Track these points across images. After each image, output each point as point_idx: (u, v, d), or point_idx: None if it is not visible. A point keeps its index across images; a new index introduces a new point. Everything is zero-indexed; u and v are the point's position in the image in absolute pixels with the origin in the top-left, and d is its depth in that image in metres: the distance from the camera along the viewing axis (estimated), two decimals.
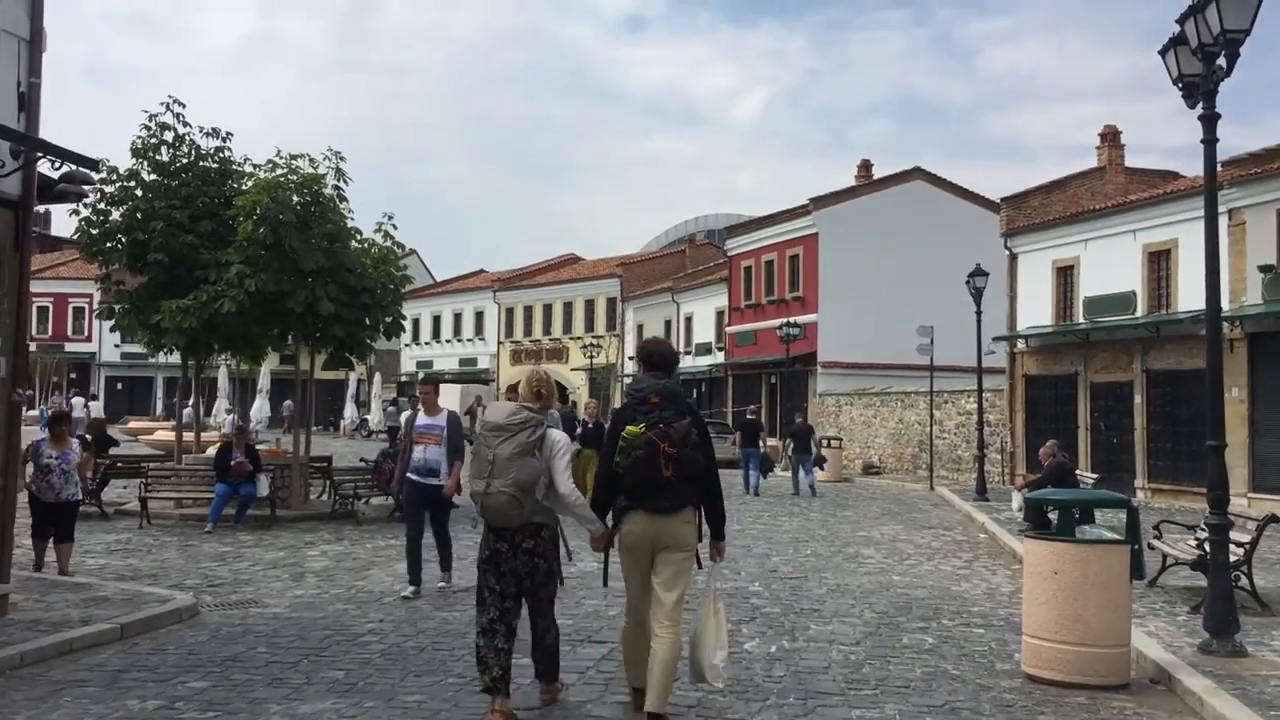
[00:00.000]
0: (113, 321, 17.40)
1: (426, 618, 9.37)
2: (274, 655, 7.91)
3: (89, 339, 64.60)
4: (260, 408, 45.16)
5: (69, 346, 63.53)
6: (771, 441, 33.51)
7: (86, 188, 9.43)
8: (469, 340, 62.21)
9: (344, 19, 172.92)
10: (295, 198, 16.82)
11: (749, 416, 29.16)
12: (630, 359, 49.82)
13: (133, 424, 41.66)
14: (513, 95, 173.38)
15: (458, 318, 63.24)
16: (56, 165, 8.71)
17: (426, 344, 64.19)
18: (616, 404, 47.90)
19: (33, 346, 58.04)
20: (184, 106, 17.12)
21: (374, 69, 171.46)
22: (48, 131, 9.07)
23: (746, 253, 43.27)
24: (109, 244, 16.54)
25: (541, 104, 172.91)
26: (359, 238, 18.11)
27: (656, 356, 6.35)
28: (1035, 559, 7.72)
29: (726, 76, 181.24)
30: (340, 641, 8.37)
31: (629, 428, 5.94)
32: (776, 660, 8.06)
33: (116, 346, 61.51)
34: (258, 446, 17.43)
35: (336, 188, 17.32)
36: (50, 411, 15.68)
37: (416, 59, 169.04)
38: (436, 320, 64.36)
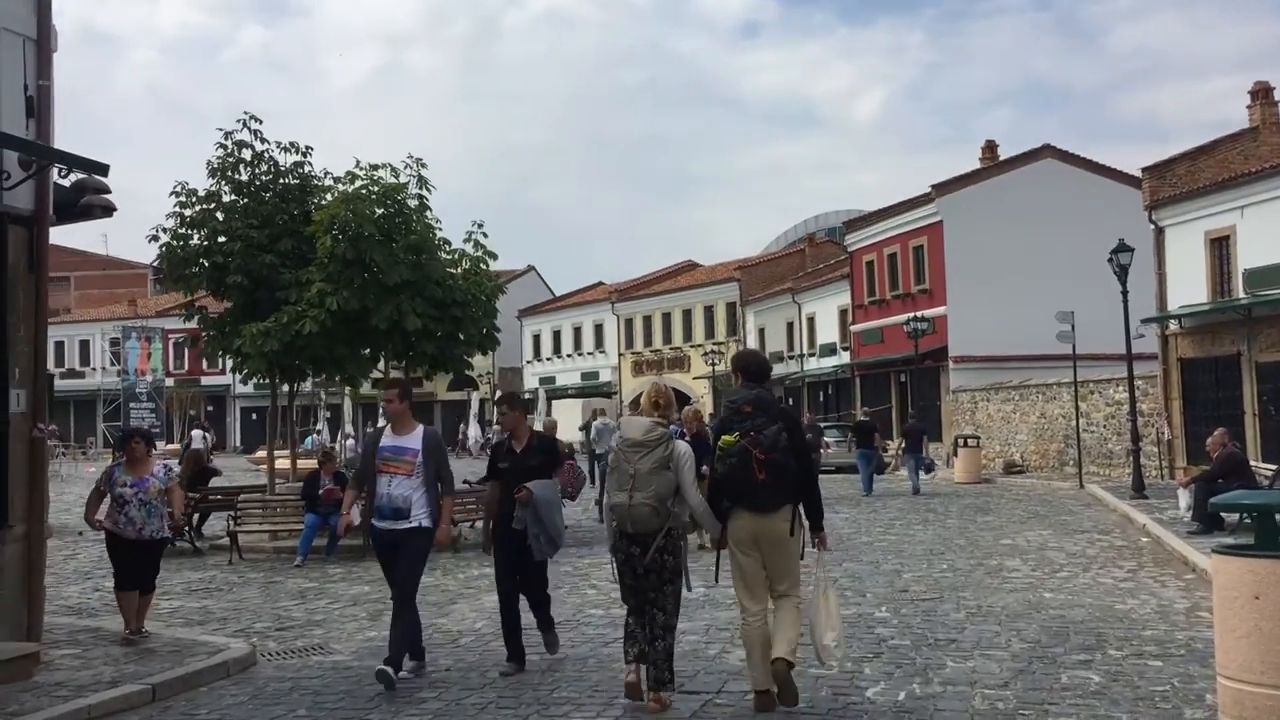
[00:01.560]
0: (200, 350, 16.83)
1: (499, 662, 8.21)
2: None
3: (223, 371, 66.08)
4: None
5: (205, 380, 64.97)
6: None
7: (103, 196, 8.43)
8: (589, 354, 61.51)
9: (466, 49, 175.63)
10: (378, 209, 16.02)
11: (862, 418, 28.43)
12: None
13: (260, 454, 41.94)
14: (631, 112, 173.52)
15: (577, 331, 62.62)
16: (64, 173, 7.85)
17: (548, 359, 63.75)
18: None
19: (169, 381, 59.81)
20: (260, 123, 16.52)
21: (495, 96, 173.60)
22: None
23: (867, 247, 41.38)
24: (190, 269, 15.96)
25: (660, 118, 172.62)
26: (448, 249, 17.22)
27: (749, 368, 6.90)
28: (1229, 580, 6.12)
29: (844, 77, 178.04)
30: (393, 700, 7.26)
31: (725, 436, 6.48)
32: (906, 713, 6.63)
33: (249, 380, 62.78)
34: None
35: (419, 196, 16.46)
36: (186, 446, 15.06)
37: (536, 83, 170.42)
38: (557, 335, 63.87)
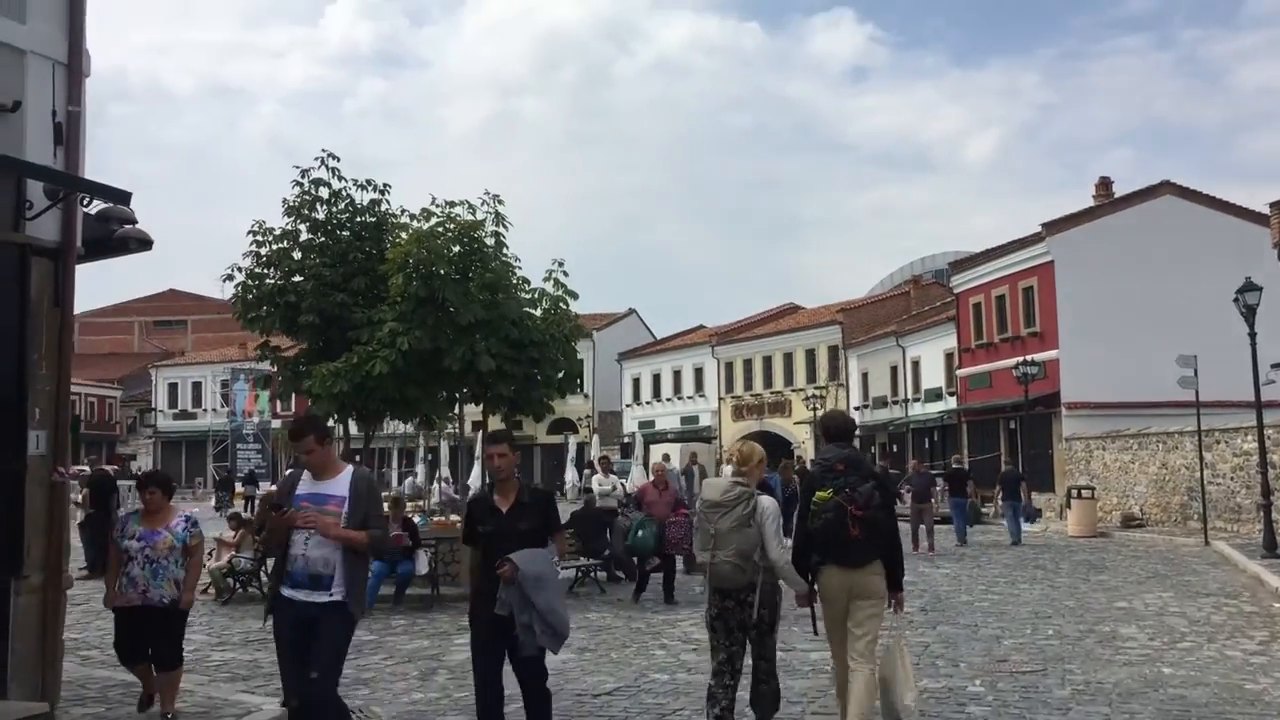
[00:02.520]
0: (269, 391, 16.53)
1: None
2: None
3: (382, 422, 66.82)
4: (478, 475, 44.83)
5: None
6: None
7: (137, 228, 8.02)
8: (689, 397, 60.72)
9: (575, 96, 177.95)
10: (455, 247, 15.60)
11: (955, 465, 27.60)
12: (855, 408, 47.01)
13: None
14: (738, 156, 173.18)
15: (677, 375, 61.92)
16: (86, 202, 7.44)
17: (647, 403, 63.13)
18: None
19: (275, 423, 60.85)
20: (338, 160, 16.27)
21: (603, 141, 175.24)
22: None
23: (974, 288, 39.90)
24: (263, 309, 15.71)
25: (768, 162, 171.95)
26: (527, 288, 16.70)
27: (834, 429, 7.10)
28: None
29: (955, 119, 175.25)
30: None
31: (819, 493, 6.67)
32: None
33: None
34: (451, 517, 16.16)
35: (496, 233, 15.99)
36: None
37: (644, 129, 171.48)
38: (656, 378, 63.26)
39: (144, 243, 8.40)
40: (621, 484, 20.24)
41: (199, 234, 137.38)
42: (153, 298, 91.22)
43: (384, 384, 14.70)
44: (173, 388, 72.69)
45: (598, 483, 18.70)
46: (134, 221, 7.76)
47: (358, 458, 21.25)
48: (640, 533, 14.48)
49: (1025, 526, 25.13)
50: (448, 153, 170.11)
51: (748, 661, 6.99)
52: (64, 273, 7.72)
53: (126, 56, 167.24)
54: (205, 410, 67.50)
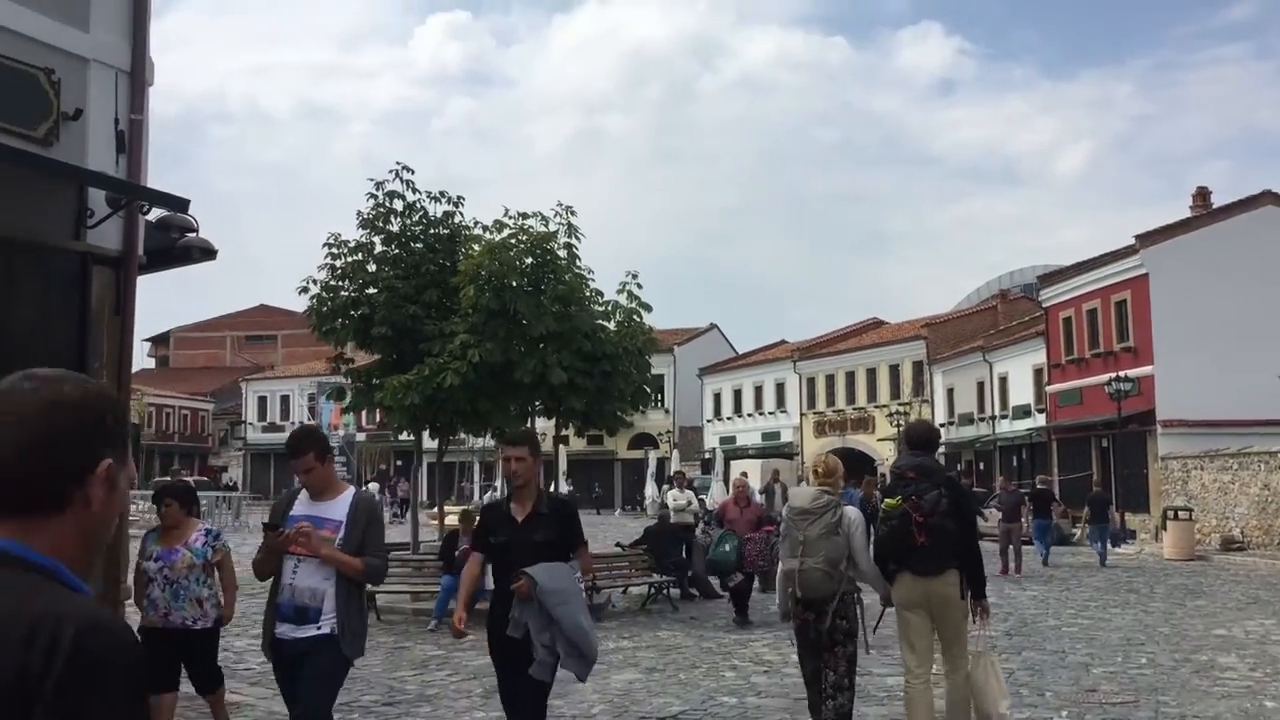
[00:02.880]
0: (344, 404, 16.57)
1: None
2: None
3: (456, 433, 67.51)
4: (560, 489, 44.84)
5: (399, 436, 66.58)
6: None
7: (199, 237, 7.97)
8: (770, 413, 60.10)
9: (660, 113, 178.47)
10: (529, 259, 15.48)
11: (1040, 485, 26.72)
12: (940, 425, 45.98)
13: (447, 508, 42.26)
14: (824, 171, 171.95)
15: (758, 390, 61.34)
16: (145, 210, 7.40)
17: (728, 419, 62.64)
18: None
19: (361, 436, 61.73)
20: (412, 173, 16.25)
21: (688, 158, 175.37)
22: None
23: (1064, 302, 38.80)
24: (337, 321, 15.74)
25: (853, 176, 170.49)
26: (600, 301, 16.51)
27: (916, 437, 7.21)
28: None
29: (1046, 131, 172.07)
30: None
31: (888, 500, 6.77)
32: None
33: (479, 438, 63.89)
34: None
35: (568, 244, 15.83)
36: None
37: (729, 145, 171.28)
38: (737, 394, 62.75)
39: (207, 252, 8.36)
40: (699, 499, 19.93)
41: (290, 251, 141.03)
42: (244, 313, 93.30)
43: (455, 396, 14.60)
44: (262, 401, 74.18)
45: (672, 498, 18.43)
46: (194, 229, 7.71)
47: (392, 475, 21.17)
48: (724, 548, 13.89)
49: (1112, 549, 24.60)
50: (534, 171, 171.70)
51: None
52: (125, 281, 7.70)
53: (225, 79, 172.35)
54: (293, 423, 68.52)
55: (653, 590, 15.93)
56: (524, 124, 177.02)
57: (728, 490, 36.19)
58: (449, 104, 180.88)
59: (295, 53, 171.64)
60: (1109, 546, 24.37)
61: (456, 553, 14.08)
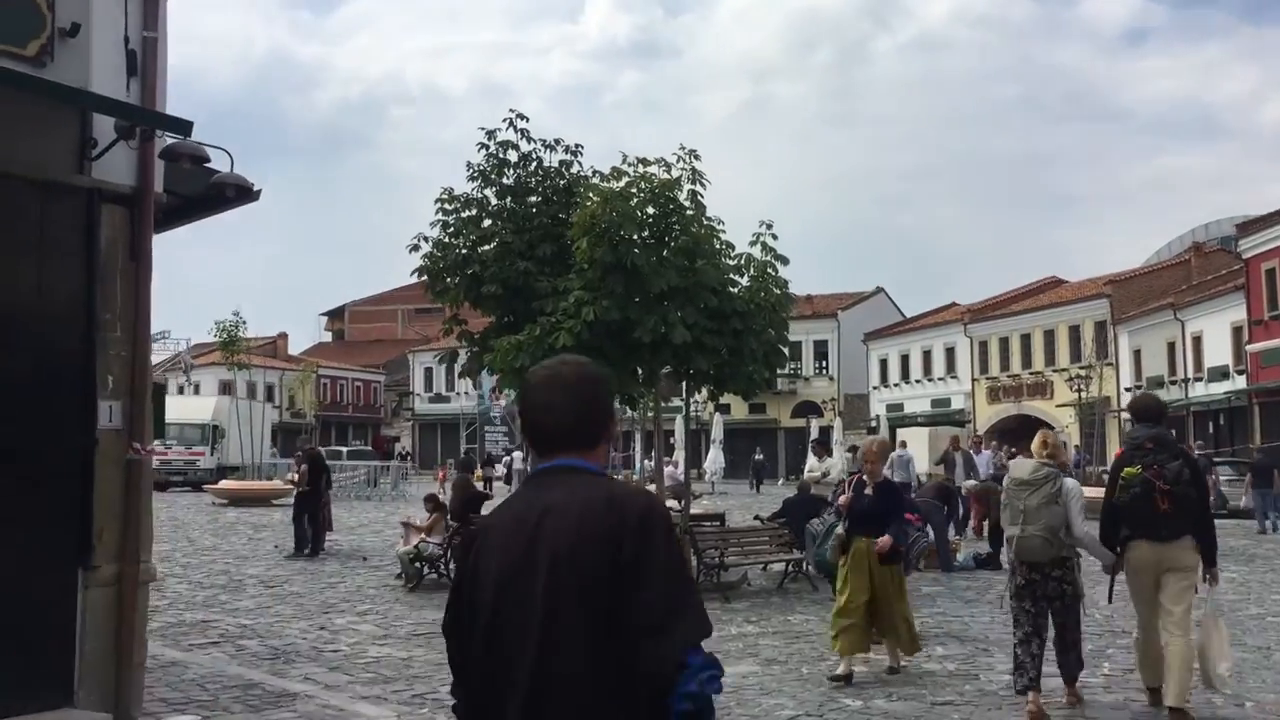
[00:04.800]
0: (458, 368, 15.67)
1: None
2: None
3: None
4: (714, 459, 43.64)
5: None
6: None
7: (234, 174, 7.00)
8: (940, 379, 57.36)
9: (830, 77, 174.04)
10: (650, 209, 14.21)
11: (1258, 454, 25.22)
12: (1126, 390, 42.75)
13: None
14: (1004, 130, 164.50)
15: (927, 355, 58.63)
16: (147, 135, 6.45)
17: (895, 385, 60.14)
18: (1112, 444, 41.15)
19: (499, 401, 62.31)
20: (526, 120, 15.17)
21: (860, 122, 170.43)
22: None
23: (1268, 252, 35.23)
24: (449, 280, 14.84)
25: (1036, 134, 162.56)
26: (731, 254, 15.09)
27: (1144, 410, 7.54)
28: None
29: (1247, 79, 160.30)
30: None
31: (1127, 470, 7.06)
32: None
33: None
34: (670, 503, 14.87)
35: (693, 192, 14.46)
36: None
37: (904, 107, 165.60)
38: (905, 359, 60.15)
39: (245, 190, 7.40)
40: (840, 466, 18.31)
41: None
42: (413, 286, 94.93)
43: None
44: (428, 373, 75.42)
45: (809, 467, 16.94)
46: (205, 159, 6.73)
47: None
48: (829, 544, 9.85)
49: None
50: (703, 141, 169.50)
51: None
52: (140, 222, 6.79)
53: (404, 61, 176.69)
54: (458, 394, 69.36)
55: (790, 567, 14.56)
56: (692, 95, 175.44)
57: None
58: (619, 77, 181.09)
59: (470, 33, 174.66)
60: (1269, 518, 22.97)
61: None
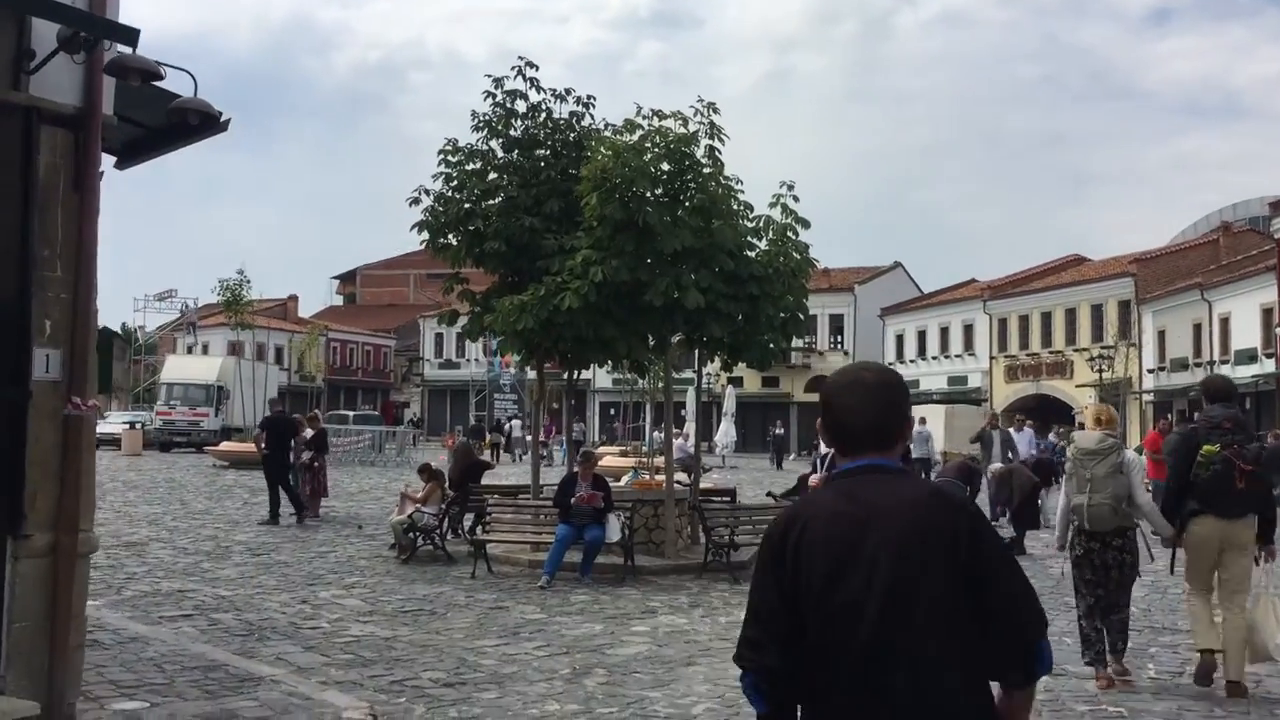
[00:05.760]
0: (457, 328, 14.88)
1: None
2: None
3: (587, 365, 66.59)
4: (725, 432, 42.82)
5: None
6: None
7: (198, 99, 6.20)
8: (957, 356, 56.41)
9: (853, 50, 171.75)
10: (665, 165, 13.39)
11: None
12: (1149, 371, 41.82)
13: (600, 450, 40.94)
14: (1026, 109, 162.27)
15: (944, 332, 57.66)
16: (88, 42, 5.64)
17: (912, 361, 59.17)
18: (1133, 425, 40.30)
19: (532, 374, 61.07)
20: (536, 69, 14.32)
21: (882, 97, 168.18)
22: None
23: None
24: (451, 235, 14.04)
25: (1057, 114, 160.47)
26: (749, 216, 14.26)
27: (1216, 390, 7.67)
28: None
29: (1273, 61, 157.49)
30: None
31: (1206, 447, 7.19)
32: None
33: (609, 373, 62.49)
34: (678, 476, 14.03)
35: (711, 148, 13.62)
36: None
37: (926, 83, 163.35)
38: (922, 335, 59.21)
39: (210, 118, 6.57)
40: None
41: None
42: (428, 252, 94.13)
43: (574, 320, 12.70)
44: (438, 338, 74.70)
45: (825, 444, 16.08)
46: (157, 75, 5.91)
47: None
48: None
49: None
50: (722, 112, 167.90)
51: None
52: (86, 147, 5.99)
53: (425, 27, 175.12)
54: (468, 360, 68.70)
55: None
56: (713, 65, 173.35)
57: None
58: (639, 47, 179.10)
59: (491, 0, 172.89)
60: None
61: (573, 499, 12.27)
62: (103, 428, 45.23)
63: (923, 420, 31.62)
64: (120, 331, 74.55)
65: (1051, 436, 29.88)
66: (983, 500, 16.96)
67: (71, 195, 5.99)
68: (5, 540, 5.74)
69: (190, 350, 61.26)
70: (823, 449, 17.97)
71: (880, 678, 2.41)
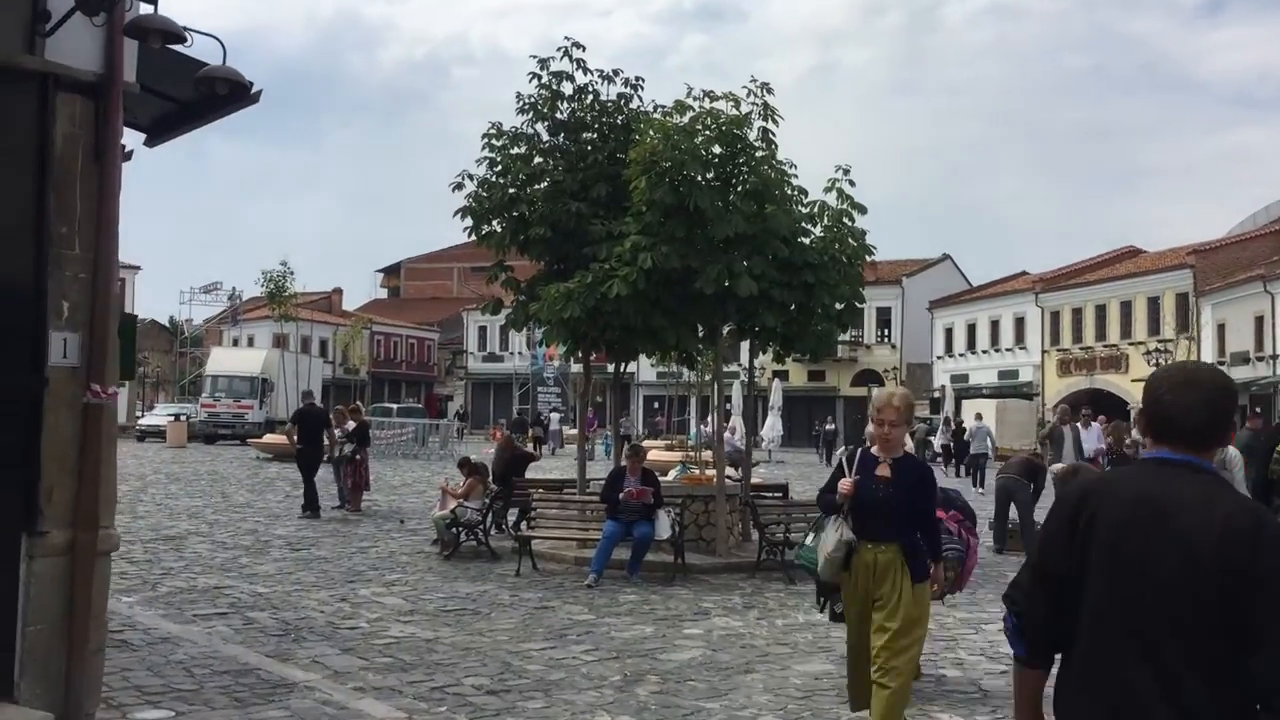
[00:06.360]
0: (501, 319, 14.46)
1: None
2: None
3: (634, 357, 65.96)
4: (771, 426, 42.14)
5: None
6: None
7: (225, 68, 5.79)
8: (1008, 350, 55.35)
9: (899, 43, 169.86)
10: (717, 148, 12.87)
11: None
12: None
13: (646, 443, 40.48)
14: (1075, 101, 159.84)
15: (995, 325, 56.59)
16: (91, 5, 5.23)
17: (961, 355, 58.20)
18: None
19: (576, 367, 60.72)
20: (583, 50, 13.84)
21: (930, 90, 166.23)
22: None
23: None
24: (495, 222, 13.61)
25: (1107, 106, 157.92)
26: (804, 201, 13.69)
27: None
28: None
29: None
30: None
31: None
32: None
33: (653, 366, 61.89)
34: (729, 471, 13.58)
35: (764, 130, 13.08)
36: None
37: (975, 75, 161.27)
38: (971, 329, 58.14)
39: (239, 87, 6.17)
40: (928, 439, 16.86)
41: None
42: (470, 244, 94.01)
43: (622, 309, 12.22)
44: (482, 331, 74.64)
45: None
46: (180, 37, 5.50)
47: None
48: (817, 549, 6.45)
49: None
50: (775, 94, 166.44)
51: None
52: (106, 115, 5.60)
53: (469, 22, 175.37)
54: (512, 354, 68.46)
55: None
56: (757, 59, 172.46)
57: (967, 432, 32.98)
58: (683, 40, 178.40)
59: None
60: None
61: (621, 494, 11.80)
62: (148, 420, 45.65)
63: (979, 416, 30.92)
64: (168, 324, 75.22)
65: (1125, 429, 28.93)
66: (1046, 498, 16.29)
67: (91, 168, 5.61)
68: (20, 538, 5.37)
69: (235, 343, 61.54)
70: (846, 448, 17.32)
71: (1122, 673, 2.47)
